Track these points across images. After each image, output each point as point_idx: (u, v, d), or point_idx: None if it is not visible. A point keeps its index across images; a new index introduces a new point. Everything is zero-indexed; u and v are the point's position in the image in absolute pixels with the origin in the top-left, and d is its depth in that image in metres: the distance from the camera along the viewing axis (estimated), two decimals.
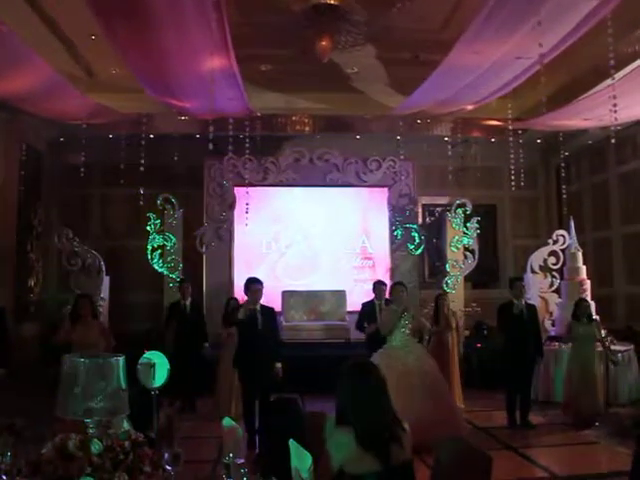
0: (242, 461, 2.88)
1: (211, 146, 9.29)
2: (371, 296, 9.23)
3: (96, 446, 2.52)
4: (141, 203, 11.68)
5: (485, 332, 11.32)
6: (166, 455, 2.87)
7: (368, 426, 2.92)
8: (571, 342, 8.36)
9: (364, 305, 9.26)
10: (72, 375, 2.59)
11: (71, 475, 2.48)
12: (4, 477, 2.76)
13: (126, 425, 3.05)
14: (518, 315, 8.07)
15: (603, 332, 8.52)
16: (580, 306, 8.39)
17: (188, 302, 9.61)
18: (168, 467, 2.86)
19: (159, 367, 3.21)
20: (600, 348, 8.33)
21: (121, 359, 2.70)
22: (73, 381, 2.56)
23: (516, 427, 7.99)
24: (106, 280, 11.63)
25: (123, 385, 2.67)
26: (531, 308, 8.38)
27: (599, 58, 8.26)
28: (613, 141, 8.78)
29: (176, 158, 11.92)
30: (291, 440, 2.82)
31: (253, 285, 7.30)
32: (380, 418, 2.97)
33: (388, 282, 10.30)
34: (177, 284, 10.56)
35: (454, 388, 9.05)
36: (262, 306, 7.33)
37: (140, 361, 3.23)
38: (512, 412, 8.08)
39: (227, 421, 3.10)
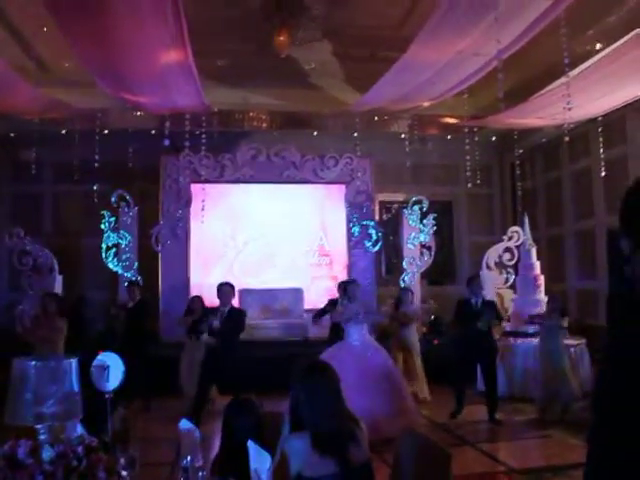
0: (200, 464, 2.82)
1: (167, 142, 9.14)
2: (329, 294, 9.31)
3: (47, 453, 2.43)
4: (95, 200, 11.45)
5: (442, 328, 11.42)
6: (121, 460, 2.79)
7: (324, 428, 2.88)
8: (540, 337, 8.52)
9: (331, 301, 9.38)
10: (22, 379, 2.49)
11: None
12: None
13: (79, 429, 2.95)
14: (476, 311, 8.17)
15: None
16: (550, 301, 8.68)
17: (130, 304, 9.55)
18: (124, 472, 2.79)
19: (113, 369, 3.12)
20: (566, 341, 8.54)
21: (74, 361, 2.61)
22: (23, 385, 2.47)
23: (458, 415, 8.14)
24: (59, 279, 11.36)
25: (76, 388, 2.58)
26: (489, 304, 8.50)
27: (553, 57, 8.41)
28: (567, 139, 8.95)
29: (131, 154, 11.71)
30: (250, 441, 2.77)
31: (222, 287, 7.97)
32: (336, 419, 2.93)
33: (345, 279, 10.35)
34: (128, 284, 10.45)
35: (419, 381, 9.12)
36: (231, 308, 7.96)
37: (94, 363, 3.14)
38: (460, 401, 8.19)
39: (184, 423, 3.02)
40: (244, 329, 8.00)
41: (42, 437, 2.53)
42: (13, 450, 2.47)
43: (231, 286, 8.06)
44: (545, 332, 8.39)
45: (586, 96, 8.78)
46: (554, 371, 8.07)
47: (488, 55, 8.20)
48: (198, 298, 9.57)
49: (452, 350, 8.67)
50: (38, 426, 2.52)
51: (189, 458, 2.87)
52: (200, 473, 2.77)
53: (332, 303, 8.77)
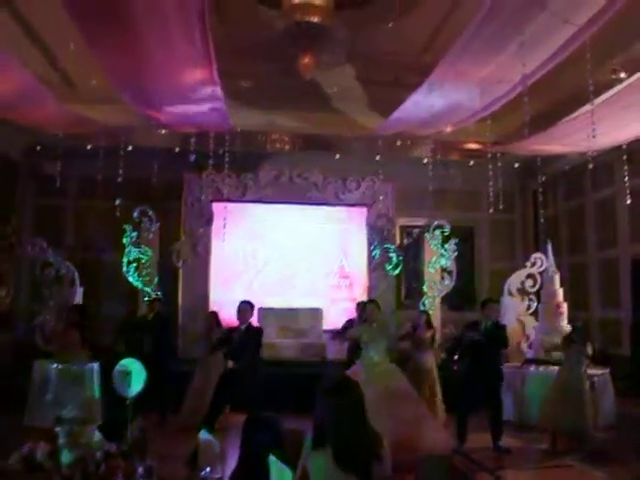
0: (219, 475, 2.79)
1: (192, 157, 9.22)
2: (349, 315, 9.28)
3: (66, 456, 2.42)
4: (117, 214, 11.53)
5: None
6: (139, 469, 2.77)
7: (347, 445, 2.84)
8: (564, 366, 8.37)
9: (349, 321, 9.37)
10: (43, 382, 2.50)
11: None
12: None
13: (97, 436, 2.94)
14: (483, 337, 8.08)
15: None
16: (574, 331, 8.55)
17: (150, 317, 9.58)
18: None
19: (135, 375, 3.11)
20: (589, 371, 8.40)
21: (96, 366, 2.60)
22: (44, 388, 2.47)
23: (462, 447, 7.84)
24: (80, 291, 11.43)
25: (96, 394, 2.57)
26: (498, 326, 8.37)
27: (577, 85, 8.37)
28: (591, 166, 8.87)
29: (155, 172, 11.84)
30: (271, 456, 2.74)
31: (241, 306, 8.05)
32: (359, 436, 2.89)
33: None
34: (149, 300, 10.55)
35: (435, 407, 8.97)
36: (248, 326, 8.00)
37: (116, 368, 3.13)
38: (462, 433, 7.94)
39: (204, 434, 3.00)
40: (260, 346, 7.99)
41: (61, 441, 2.52)
42: (32, 452, 2.47)
43: (250, 305, 8.15)
44: (568, 361, 8.24)
45: (611, 124, 8.72)
46: (573, 401, 7.92)
47: (512, 81, 8.19)
48: (213, 314, 9.63)
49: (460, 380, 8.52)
50: (57, 430, 2.51)
51: (208, 469, 2.84)
52: None
53: (350, 323, 8.75)
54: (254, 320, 8.84)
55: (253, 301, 8.40)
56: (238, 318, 8.00)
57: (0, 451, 2.59)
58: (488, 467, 7.03)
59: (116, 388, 3.16)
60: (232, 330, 8.20)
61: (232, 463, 3.55)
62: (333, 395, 2.97)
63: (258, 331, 8.16)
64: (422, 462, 3.34)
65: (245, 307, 8.06)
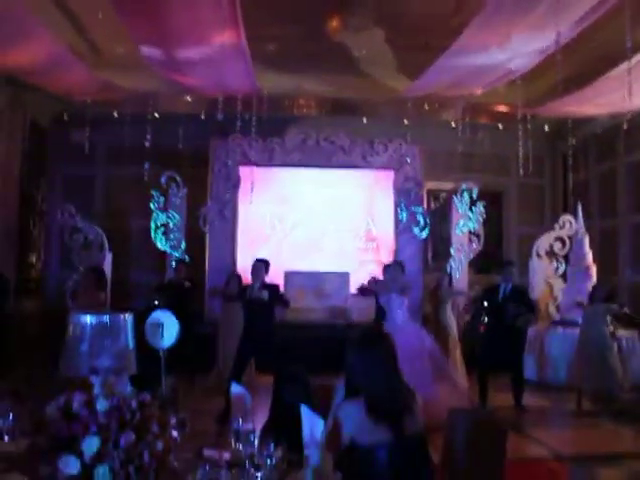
0: (251, 427, 2.83)
1: (220, 117, 9.25)
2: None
3: (102, 405, 2.46)
4: (145, 179, 11.61)
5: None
6: (172, 420, 2.81)
7: (379, 395, 2.85)
8: (583, 323, 8.34)
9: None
10: (78, 332, 2.53)
11: (76, 435, 2.42)
12: (6, 437, 2.71)
13: (129, 388, 2.99)
14: (501, 299, 8.14)
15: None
16: (596, 289, 8.45)
17: (184, 281, 9.68)
18: (174, 432, 2.81)
19: (168, 327, 3.14)
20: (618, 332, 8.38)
21: (129, 317, 2.63)
22: (79, 338, 2.51)
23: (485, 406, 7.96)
24: (109, 257, 11.58)
25: (130, 344, 2.61)
26: (518, 290, 8.36)
27: (613, 44, 8.14)
28: (625, 126, 8.69)
29: (181, 137, 11.88)
30: (303, 405, 2.77)
31: (254, 264, 7.86)
32: (391, 387, 2.90)
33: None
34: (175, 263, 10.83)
35: (456, 367, 9.01)
36: (264, 284, 7.70)
37: (148, 321, 3.15)
38: (484, 393, 8.06)
39: (235, 387, 3.03)
40: (279, 304, 7.91)
41: (96, 391, 2.57)
42: (68, 402, 2.51)
43: (265, 262, 7.90)
44: (587, 319, 8.21)
45: None
46: (596, 359, 7.90)
47: (544, 42, 8.01)
48: (236, 276, 9.69)
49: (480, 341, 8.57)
50: (92, 379, 2.55)
51: (240, 421, 2.88)
52: (251, 436, 2.77)
53: (374, 280, 8.79)
54: (281, 283, 8.87)
55: (280, 265, 8.37)
56: (252, 276, 7.77)
57: (37, 402, 2.63)
58: (514, 425, 7.07)
59: (149, 340, 3.19)
60: (246, 287, 7.94)
61: (262, 418, 3.62)
62: (366, 345, 2.99)
63: (274, 289, 7.89)
64: (452, 415, 3.33)
65: (258, 265, 7.81)
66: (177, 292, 9.65)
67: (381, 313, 8.02)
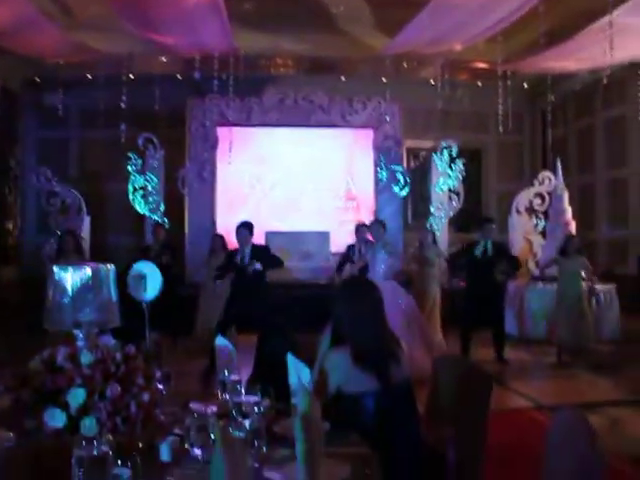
0: (237, 378, 2.82)
1: (197, 76, 9.08)
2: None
3: (86, 357, 2.43)
4: (122, 141, 11.43)
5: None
6: (157, 373, 2.80)
7: (365, 343, 2.85)
8: (559, 278, 8.42)
9: (349, 247, 9.28)
10: (60, 286, 2.49)
11: (60, 387, 2.39)
12: None
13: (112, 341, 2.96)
14: (481, 256, 8.18)
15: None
16: (570, 241, 8.42)
17: (158, 245, 9.56)
18: (160, 385, 2.80)
19: (150, 278, 3.10)
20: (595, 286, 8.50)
21: (111, 268, 2.59)
22: (61, 291, 2.46)
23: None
24: (87, 220, 11.44)
25: (113, 296, 2.57)
26: (498, 246, 8.43)
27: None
28: (605, 81, 8.68)
29: (157, 98, 11.66)
30: (289, 355, 2.76)
31: (239, 229, 7.69)
32: (378, 335, 2.91)
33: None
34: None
35: (432, 326, 9.04)
36: (253, 246, 7.65)
37: (130, 273, 3.12)
38: (466, 348, 8.17)
39: (220, 340, 3.02)
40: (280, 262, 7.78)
41: (80, 343, 2.54)
42: (52, 356, 2.48)
43: (248, 227, 7.69)
44: (563, 274, 8.30)
45: (630, 38, 8.46)
46: (573, 314, 8.02)
47: None
48: (220, 237, 9.67)
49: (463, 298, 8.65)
50: (76, 332, 2.52)
51: (226, 372, 2.88)
52: (237, 386, 2.76)
53: (347, 253, 8.86)
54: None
55: (259, 225, 8.30)
56: (239, 241, 7.67)
57: (21, 357, 2.60)
58: (495, 378, 7.16)
59: (132, 293, 3.16)
60: (234, 253, 7.82)
61: (246, 373, 3.62)
62: (354, 293, 2.99)
63: (267, 247, 7.98)
64: (438, 362, 3.35)
65: (243, 231, 7.63)
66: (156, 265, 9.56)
67: (363, 271, 8.06)
